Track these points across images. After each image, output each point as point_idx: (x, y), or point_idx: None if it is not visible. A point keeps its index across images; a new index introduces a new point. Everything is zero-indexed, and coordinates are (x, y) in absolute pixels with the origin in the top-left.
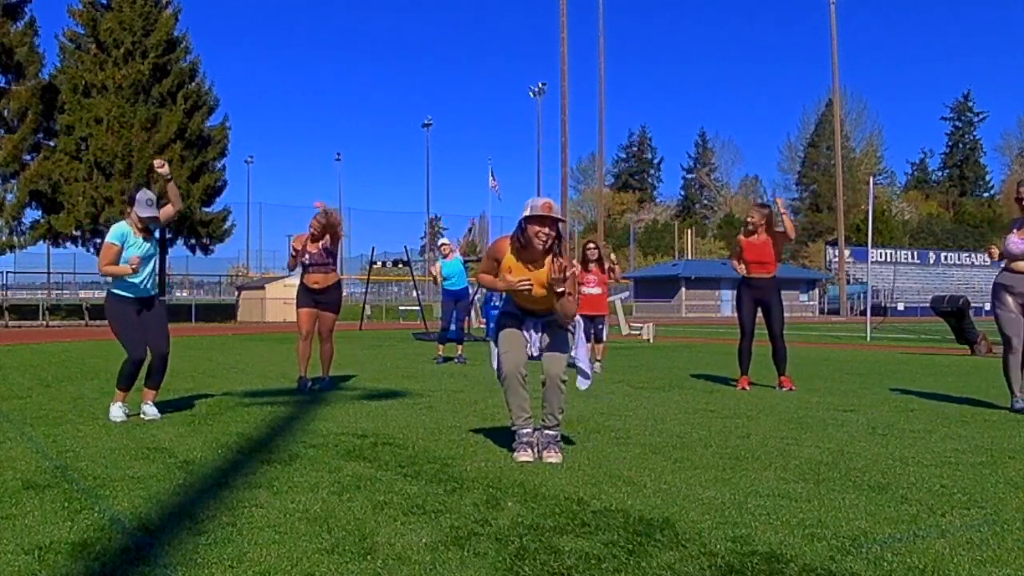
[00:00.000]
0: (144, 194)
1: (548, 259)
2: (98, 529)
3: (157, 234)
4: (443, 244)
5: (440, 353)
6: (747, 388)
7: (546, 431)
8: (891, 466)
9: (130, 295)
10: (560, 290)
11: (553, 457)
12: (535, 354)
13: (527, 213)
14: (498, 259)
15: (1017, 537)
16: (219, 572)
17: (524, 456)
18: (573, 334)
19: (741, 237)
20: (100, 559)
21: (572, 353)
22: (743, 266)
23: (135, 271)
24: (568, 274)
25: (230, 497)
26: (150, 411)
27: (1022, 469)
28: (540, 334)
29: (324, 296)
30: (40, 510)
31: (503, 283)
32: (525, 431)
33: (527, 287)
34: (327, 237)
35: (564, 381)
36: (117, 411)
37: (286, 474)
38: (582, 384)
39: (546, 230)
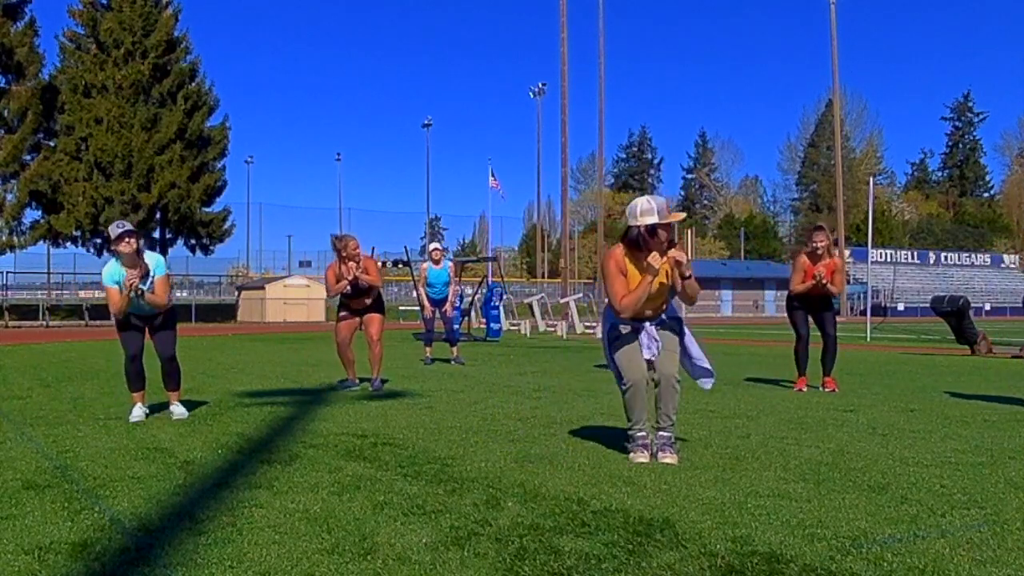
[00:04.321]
0: (115, 225)
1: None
2: (98, 529)
3: (150, 269)
4: (435, 250)
5: (428, 355)
6: (804, 389)
7: (661, 432)
8: (891, 466)
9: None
10: (687, 275)
11: (669, 458)
12: (652, 358)
13: (653, 220)
14: (623, 270)
15: (1017, 537)
16: (219, 572)
17: (641, 458)
18: (682, 335)
19: (806, 260)
20: (100, 559)
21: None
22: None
23: (134, 289)
24: (685, 261)
25: (230, 497)
26: (176, 410)
27: (1022, 469)
28: (657, 341)
29: (366, 304)
30: (40, 510)
31: (643, 287)
32: (642, 434)
33: (651, 268)
34: (359, 261)
35: (679, 381)
36: (137, 412)
37: (286, 474)
38: (706, 384)
39: (664, 234)
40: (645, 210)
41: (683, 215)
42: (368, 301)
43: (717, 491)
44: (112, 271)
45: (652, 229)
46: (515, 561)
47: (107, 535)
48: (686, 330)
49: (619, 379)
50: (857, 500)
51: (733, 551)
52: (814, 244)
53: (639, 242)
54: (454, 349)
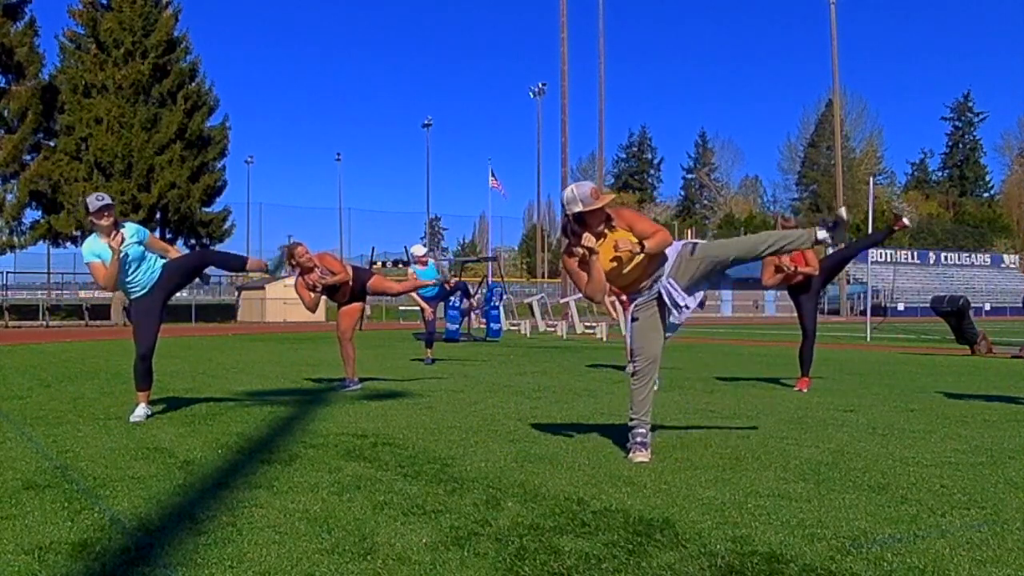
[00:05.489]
0: (93, 197)
1: (613, 235)
2: (98, 529)
3: (131, 237)
4: (425, 254)
5: (428, 355)
6: (804, 390)
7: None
8: (891, 466)
9: (132, 296)
10: (639, 250)
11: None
12: (691, 304)
13: (578, 209)
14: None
15: (1017, 537)
16: (219, 572)
17: (640, 457)
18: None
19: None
20: (100, 559)
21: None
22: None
23: (118, 251)
24: (633, 249)
25: (230, 497)
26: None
27: (1022, 469)
28: (682, 304)
29: (354, 291)
30: (40, 510)
31: (594, 269)
32: (642, 431)
33: (589, 250)
34: (316, 266)
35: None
36: (139, 412)
37: (286, 474)
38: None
39: (594, 227)
40: (569, 199)
41: (610, 197)
42: (350, 290)
43: (717, 491)
44: (93, 246)
45: (578, 217)
46: (515, 561)
47: (107, 535)
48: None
49: (632, 361)
50: (857, 500)
51: (733, 551)
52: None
53: (568, 231)
54: (464, 320)
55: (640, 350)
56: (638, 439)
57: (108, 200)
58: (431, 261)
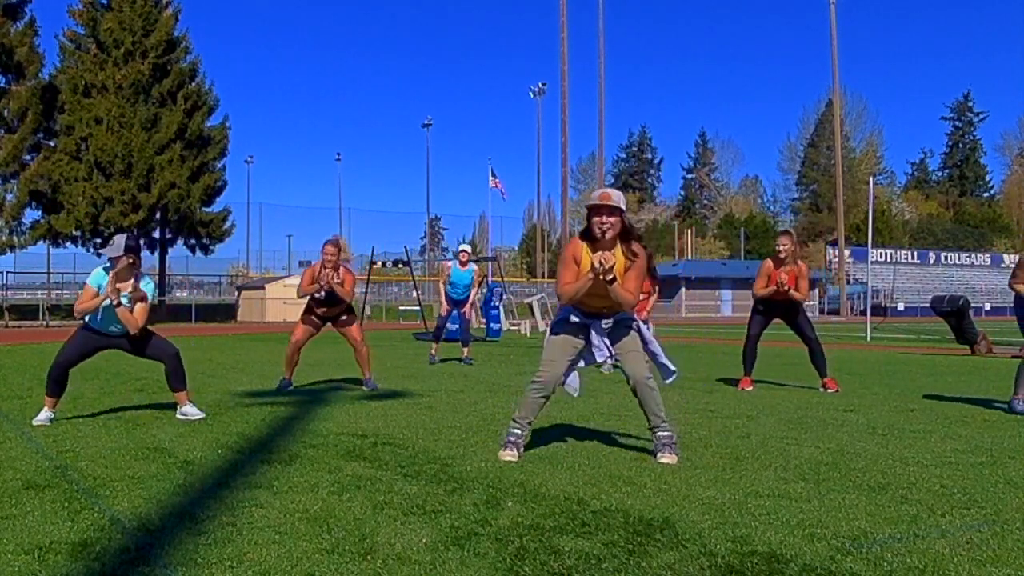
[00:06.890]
0: (119, 238)
1: (616, 249)
2: (98, 529)
3: (126, 297)
4: (463, 251)
5: (434, 353)
6: (748, 389)
7: (658, 433)
8: (891, 466)
9: (92, 326)
10: (610, 279)
11: (667, 458)
12: (609, 360)
13: (588, 203)
14: (577, 259)
15: (1017, 537)
16: (219, 572)
17: (508, 455)
18: (639, 331)
19: (771, 264)
20: (100, 559)
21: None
22: (769, 288)
23: (108, 299)
24: (607, 266)
25: (230, 497)
26: (190, 411)
27: (1022, 469)
28: (607, 340)
29: (333, 314)
30: (40, 510)
31: (582, 280)
32: (516, 431)
33: (600, 272)
34: (335, 268)
35: (650, 378)
36: (42, 416)
37: (286, 474)
38: (668, 378)
39: (604, 219)
40: (611, 193)
41: (609, 202)
42: (334, 311)
43: (717, 491)
44: (97, 278)
45: (587, 212)
46: (515, 561)
47: (107, 535)
48: (645, 328)
49: (536, 375)
50: (857, 500)
51: (733, 551)
52: (776, 248)
53: (587, 230)
54: (465, 350)
55: (554, 361)
56: (510, 437)
57: (118, 252)
58: (473, 266)
